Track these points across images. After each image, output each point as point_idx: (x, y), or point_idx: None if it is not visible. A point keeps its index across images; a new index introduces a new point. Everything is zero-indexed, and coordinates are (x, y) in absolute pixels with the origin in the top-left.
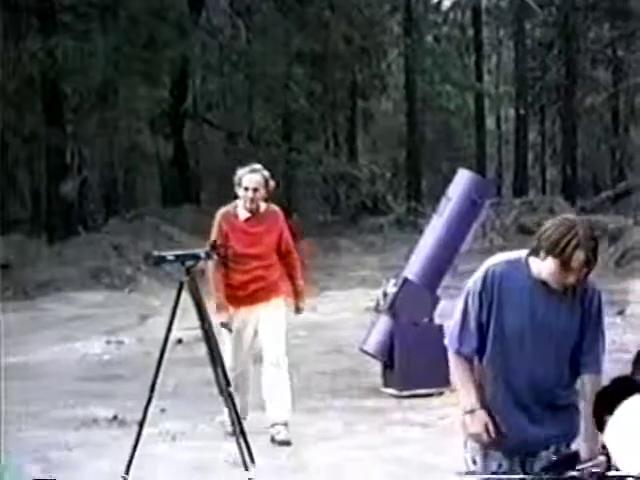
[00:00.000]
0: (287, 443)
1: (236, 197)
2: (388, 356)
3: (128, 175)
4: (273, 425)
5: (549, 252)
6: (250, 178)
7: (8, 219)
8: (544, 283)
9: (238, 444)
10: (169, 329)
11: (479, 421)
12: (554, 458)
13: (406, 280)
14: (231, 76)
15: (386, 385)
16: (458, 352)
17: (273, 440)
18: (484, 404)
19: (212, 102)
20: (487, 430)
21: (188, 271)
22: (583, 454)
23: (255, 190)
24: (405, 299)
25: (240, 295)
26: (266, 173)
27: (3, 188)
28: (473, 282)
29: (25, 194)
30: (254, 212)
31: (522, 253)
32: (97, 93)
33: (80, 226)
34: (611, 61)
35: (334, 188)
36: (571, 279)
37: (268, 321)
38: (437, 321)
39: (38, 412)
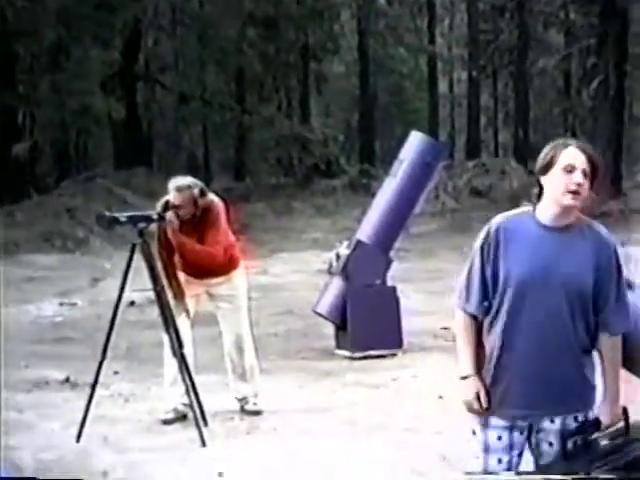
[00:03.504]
0: (258, 413)
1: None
2: (340, 318)
3: (80, 137)
4: (244, 397)
5: (544, 169)
6: (176, 196)
7: None
8: (552, 229)
9: (190, 404)
10: (121, 291)
11: (471, 388)
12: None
13: (359, 242)
14: (183, 38)
15: (339, 347)
16: (463, 310)
17: (243, 410)
18: (482, 369)
19: (164, 64)
20: (478, 398)
21: (141, 233)
22: (604, 420)
23: (180, 207)
24: (358, 261)
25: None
26: (196, 191)
27: None
28: (478, 238)
29: None
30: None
31: (529, 207)
32: (49, 54)
33: (32, 188)
34: (563, 23)
35: (287, 150)
36: (572, 187)
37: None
38: (390, 283)
39: None
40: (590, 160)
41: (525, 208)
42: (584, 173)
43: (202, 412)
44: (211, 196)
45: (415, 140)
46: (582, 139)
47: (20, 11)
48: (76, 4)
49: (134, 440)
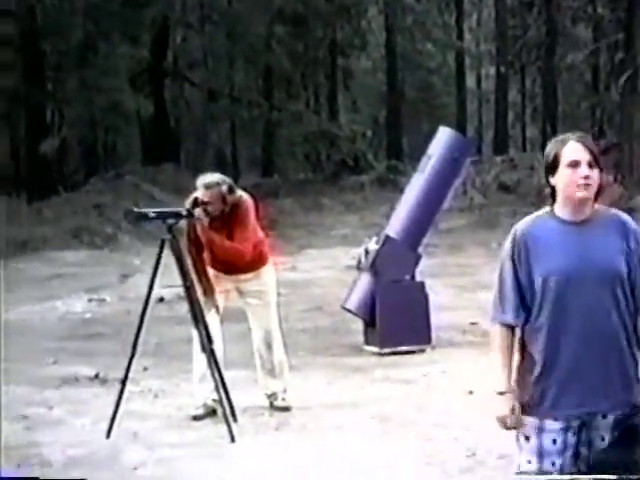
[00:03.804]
0: (287, 409)
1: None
2: (369, 314)
3: (108, 134)
4: (273, 393)
5: (551, 170)
6: (204, 194)
7: None
8: (575, 224)
9: (220, 400)
10: (151, 287)
11: (507, 405)
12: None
13: (388, 238)
14: (212, 35)
15: (367, 343)
16: (499, 322)
17: (272, 406)
18: (531, 381)
19: (193, 61)
20: (513, 413)
21: (170, 229)
22: None
23: (209, 204)
24: (387, 257)
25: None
26: (224, 188)
27: None
28: (504, 248)
29: (4, 153)
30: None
31: (547, 208)
32: (77, 52)
33: (60, 185)
34: (591, 18)
35: (315, 147)
36: (581, 181)
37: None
38: (418, 278)
39: (19, 370)
40: (591, 152)
41: (543, 210)
42: (589, 165)
43: (231, 408)
44: (240, 193)
45: (443, 136)
46: (609, 134)
47: (48, 9)
48: (104, 1)
49: (164, 436)
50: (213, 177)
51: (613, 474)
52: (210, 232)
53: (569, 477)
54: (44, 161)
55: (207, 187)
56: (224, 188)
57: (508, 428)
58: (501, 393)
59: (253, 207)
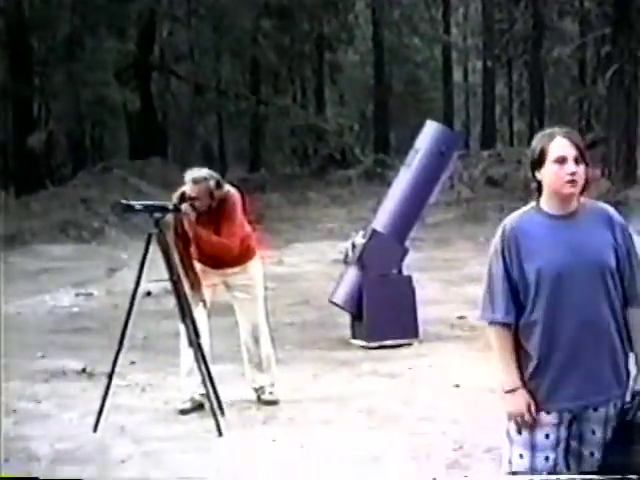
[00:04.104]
0: (274, 402)
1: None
2: (356, 308)
3: (95, 128)
4: (261, 387)
5: (537, 164)
6: (192, 188)
7: None
8: (562, 217)
9: (207, 394)
10: (138, 281)
11: (521, 401)
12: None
13: (374, 232)
14: (199, 28)
15: (354, 337)
16: (492, 321)
17: (259, 400)
18: (526, 376)
19: (179, 54)
20: (529, 410)
21: (157, 223)
22: None
23: (196, 199)
24: (373, 251)
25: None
26: (212, 183)
27: None
28: (492, 245)
29: None
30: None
31: (532, 203)
32: (64, 46)
33: (47, 179)
34: (578, 12)
35: (302, 141)
36: (567, 177)
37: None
38: (405, 272)
39: (7, 364)
40: (577, 147)
41: (529, 205)
42: (575, 160)
43: (219, 402)
44: (227, 188)
45: (430, 130)
46: (597, 128)
47: (35, 3)
48: None
49: (151, 430)
50: (201, 172)
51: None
52: (197, 227)
53: (567, 477)
54: (32, 155)
55: (195, 182)
56: (212, 183)
57: (523, 425)
58: (511, 391)
59: (240, 201)
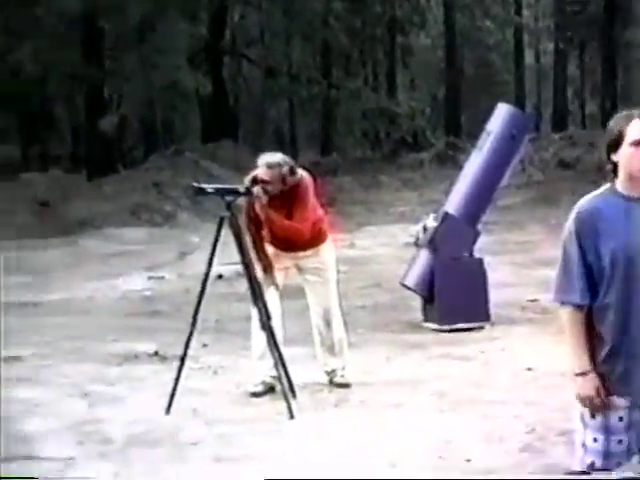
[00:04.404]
0: (346, 385)
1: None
2: (428, 291)
3: (167, 112)
4: (333, 370)
5: (613, 147)
6: (265, 172)
7: (48, 156)
8: (637, 199)
9: (279, 377)
10: (210, 264)
11: (591, 385)
12: None
13: (446, 215)
14: (269, 12)
15: (426, 320)
16: (566, 303)
17: (331, 382)
18: (599, 360)
19: (251, 38)
20: (598, 394)
21: (228, 206)
22: None
23: (268, 183)
24: (445, 234)
25: None
26: (285, 169)
27: (42, 125)
28: (566, 228)
29: (64, 131)
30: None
31: (607, 185)
32: (135, 30)
33: (119, 163)
34: None
35: (373, 124)
36: None
37: None
38: (477, 255)
39: (81, 348)
40: None
41: (603, 187)
42: None
43: (290, 385)
44: (300, 173)
45: (502, 112)
46: None
47: None
48: None
49: (223, 412)
50: (275, 157)
51: None
52: (269, 210)
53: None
54: (103, 138)
55: (269, 166)
56: (285, 169)
57: (594, 409)
58: (582, 374)
59: (312, 186)
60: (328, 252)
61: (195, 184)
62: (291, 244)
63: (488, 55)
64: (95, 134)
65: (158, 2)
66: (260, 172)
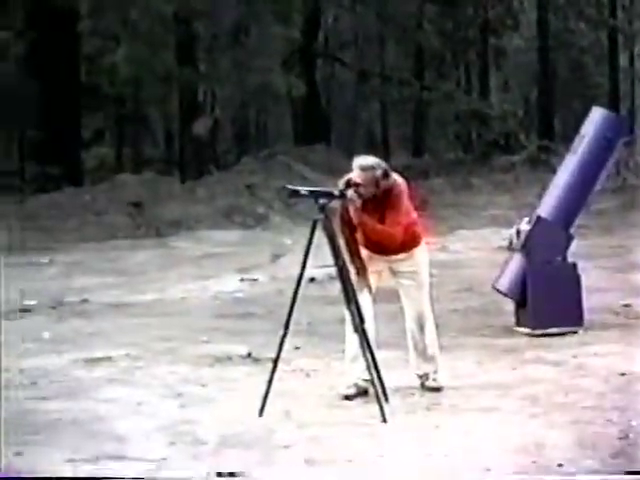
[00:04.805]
0: (438, 389)
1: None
2: (520, 295)
3: (260, 115)
4: (425, 374)
5: None
6: (358, 175)
7: (141, 158)
8: None
9: (372, 380)
10: (303, 266)
11: None
12: None
13: (539, 218)
14: (363, 15)
15: (519, 324)
16: None
17: (423, 386)
18: None
19: (344, 41)
20: None
21: (322, 209)
22: None
23: (362, 186)
24: (538, 237)
25: None
26: (379, 173)
27: (137, 127)
28: None
29: (158, 133)
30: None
31: None
32: (229, 32)
33: (212, 165)
34: None
35: (466, 126)
36: None
37: None
38: (570, 260)
39: (173, 348)
40: None
41: None
42: None
43: (383, 388)
44: (394, 177)
45: (596, 115)
46: None
47: None
48: None
49: (315, 415)
50: (369, 160)
51: None
52: (362, 214)
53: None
54: (197, 141)
55: (362, 169)
56: (379, 173)
57: None
58: None
59: (406, 190)
60: (422, 255)
61: (289, 186)
62: (384, 247)
63: (581, 57)
64: (189, 137)
65: (252, 4)
66: (354, 175)
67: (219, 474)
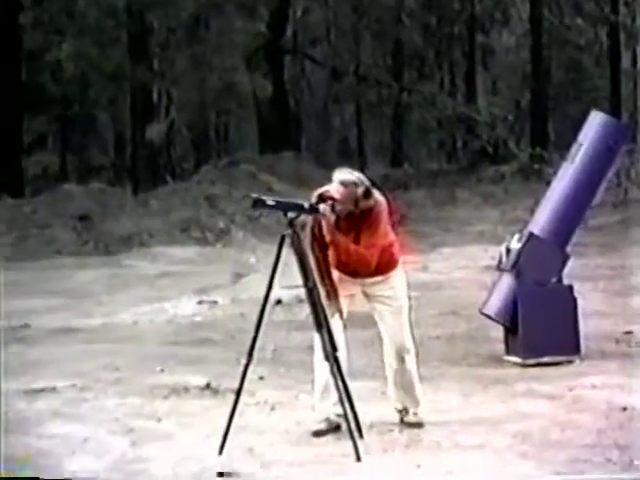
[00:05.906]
0: (419, 425)
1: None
2: (511, 320)
3: (221, 118)
4: (404, 408)
5: None
6: (337, 189)
7: (89, 166)
8: None
9: (344, 414)
10: (269, 287)
11: None
12: None
13: (532, 235)
14: (336, 7)
15: (508, 352)
16: None
17: (402, 422)
18: None
19: (315, 36)
20: None
21: (291, 223)
22: None
23: (338, 202)
24: (531, 257)
25: None
26: (360, 190)
27: (83, 131)
28: None
29: (107, 138)
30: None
31: None
32: (187, 26)
33: (168, 174)
34: None
35: (450, 133)
36: None
37: None
38: (566, 281)
39: (124, 378)
40: None
41: None
42: None
43: (357, 423)
44: (375, 197)
45: (595, 121)
46: None
47: None
48: None
49: (281, 453)
50: (352, 175)
51: None
52: (336, 232)
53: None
54: (151, 147)
55: (343, 184)
56: (360, 190)
57: None
58: None
59: (386, 210)
60: (398, 278)
61: (253, 195)
62: (357, 270)
63: (579, 57)
64: (141, 143)
65: None
66: (332, 189)
67: None
